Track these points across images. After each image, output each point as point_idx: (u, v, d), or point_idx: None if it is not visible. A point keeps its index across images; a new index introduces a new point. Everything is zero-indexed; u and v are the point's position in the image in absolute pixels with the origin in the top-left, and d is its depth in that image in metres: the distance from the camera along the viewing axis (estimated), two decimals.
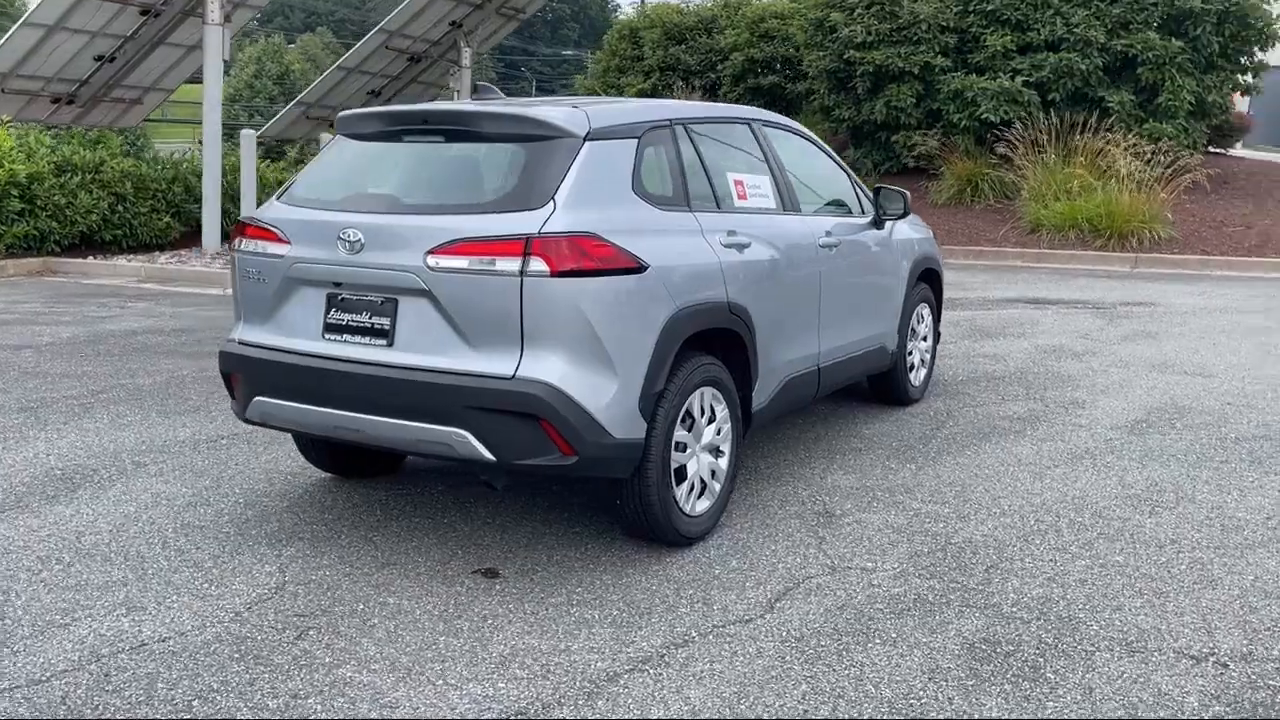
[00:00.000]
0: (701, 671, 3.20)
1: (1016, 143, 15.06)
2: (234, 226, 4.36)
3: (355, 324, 3.88)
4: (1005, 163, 15.57)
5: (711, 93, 21.62)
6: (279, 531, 4.31)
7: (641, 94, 23.81)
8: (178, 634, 3.43)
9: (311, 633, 3.44)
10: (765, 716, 2.97)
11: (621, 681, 3.14)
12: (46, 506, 4.57)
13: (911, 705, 3.03)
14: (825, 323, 5.06)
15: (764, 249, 4.53)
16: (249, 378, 4.13)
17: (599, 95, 24.33)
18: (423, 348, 3.73)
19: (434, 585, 3.81)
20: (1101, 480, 5.04)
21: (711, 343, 4.15)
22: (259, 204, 12.89)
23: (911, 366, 6.32)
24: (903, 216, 5.79)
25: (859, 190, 5.76)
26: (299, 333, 4.02)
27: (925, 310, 6.45)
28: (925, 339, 6.51)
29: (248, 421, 4.26)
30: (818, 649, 3.35)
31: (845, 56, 16.77)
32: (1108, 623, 3.54)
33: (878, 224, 5.74)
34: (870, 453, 5.47)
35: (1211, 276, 12.79)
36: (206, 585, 3.81)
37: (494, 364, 3.61)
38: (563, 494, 4.72)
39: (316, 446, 4.74)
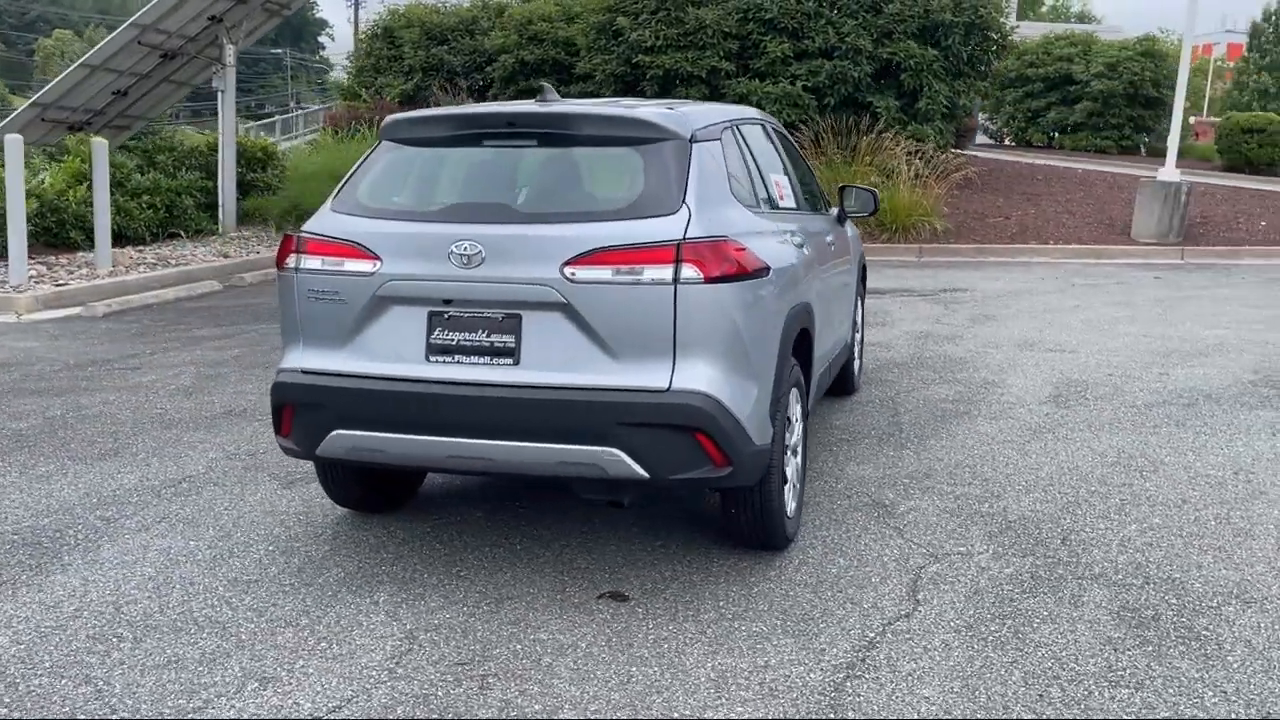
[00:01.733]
0: (913, 670, 3.23)
1: (803, 144, 15.91)
2: (284, 241, 3.88)
3: (470, 344, 3.58)
4: None
5: (480, 95, 21.33)
6: (349, 577, 3.91)
7: (404, 95, 23.17)
8: (348, 700, 3.05)
9: (493, 680, 3.17)
10: (1007, 706, 3.04)
11: (848, 690, 3.12)
12: (41, 579, 3.90)
13: (1121, 675, 3.20)
14: (831, 319, 5.21)
15: (810, 249, 4.61)
16: (324, 410, 3.71)
17: (361, 95, 23.40)
18: (557, 365, 3.51)
19: (570, 614, 3.60)
20: (1076, 451, 5.49)
21: (797, 345, 4.17)
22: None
23: (855, 357, 6.60)
24: (874, 214, 6.03)
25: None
26: (393, 356, 3.66)
27: (859, 303, 6.76)
28: (859, 330, 6.82)
29: (317, 458, 3.83)
30: (994, 635, 3.46)
31: (633, 60, 17.07)
32: (1205, 580, 3.89)
33: (840, 220, 5.95)
34: (860, 443, 5.66)
35: (989, 263, 14.10)
36: (324, 644, 3.40)
37: (645, 377, 3.46)
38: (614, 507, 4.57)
39: (351, 481, 4.33)
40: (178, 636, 3.44)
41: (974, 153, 21.45)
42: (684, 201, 3.58)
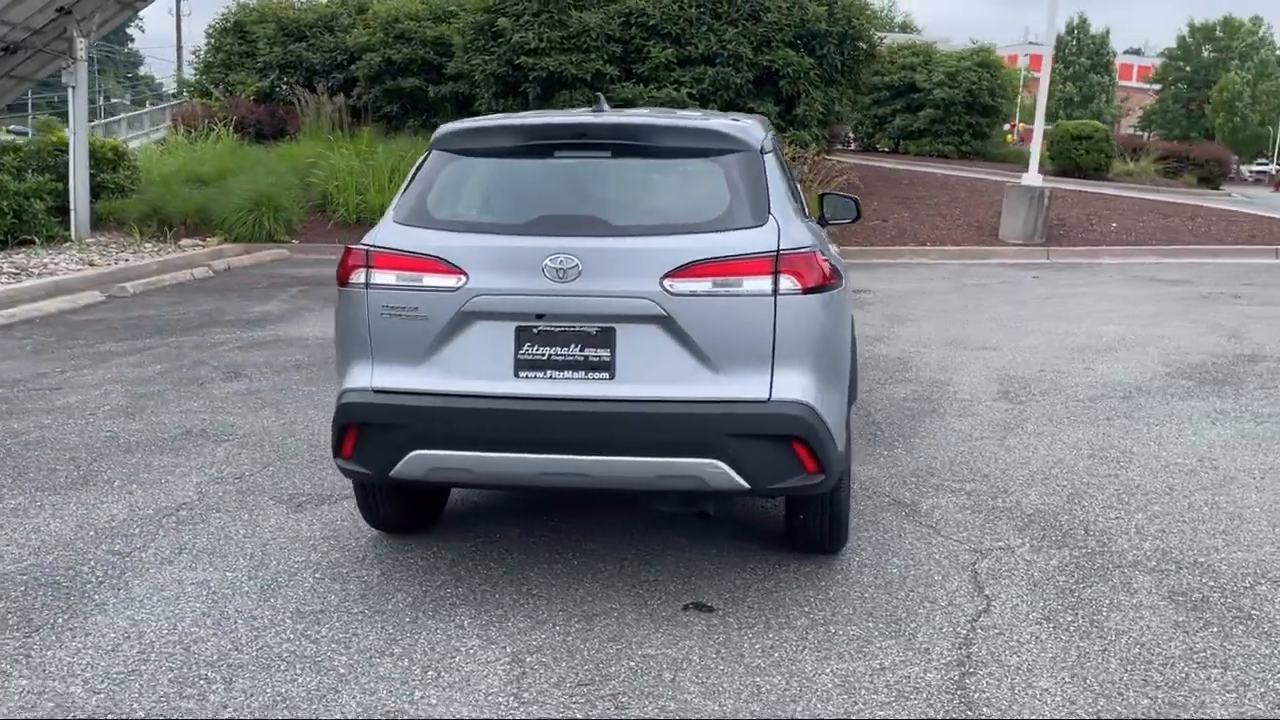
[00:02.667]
0: (1019, 664, 3.37)
1: None
2: (347, 255, 3.69)
3: (562, 358, 3.52)
4: None
5: (343, 94, 20.69)
6: (418, 602, 3.77)
7: (259, 93, 22.27)
8: None
9: (626, 701, 3.13)
10: (1121, 692, 3.22)
11: (970, 688, 3.23)
12: (80, 621, 3.61)
13: (1204, 656, 3.43)
14: None
15: (836, 257, 4.71)
16: (403, 430, 3.57)
17: (212, 93, 22.33)
18: (654, 378, 3.49)
19: (666, 628, 3.59)
20: (1051, 445, 5.81)
21: None
22: None
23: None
24: (855, 220, 6.19)
25: None
26: (478, 373, 3.55)
27: None
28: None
29: (392, 481, 3.68)
30: (1074, 625, 3.64)
31: (515, 62, 16.92)
32: (1228, 562, 4.20)
33: (823, 226, 6.09)
34: (852, 444, 5.81)
35: (877, 265, 14.66)
36: (431, 673, 3.29)
37: (745, 388, 3.48)
38: (656, 515, 4.56)
39: (395, 503, 4.18)
40: (270, 675, 3.25)
41: (839, 158, 22.20)
42: (770, 213, 3.62)
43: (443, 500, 4.54)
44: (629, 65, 17.15)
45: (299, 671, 3.27)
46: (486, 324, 3.53)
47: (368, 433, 3.64)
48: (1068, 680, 3.25)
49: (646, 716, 3.04)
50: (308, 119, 19.90)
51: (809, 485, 3.57)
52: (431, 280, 3.55)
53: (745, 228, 3.56)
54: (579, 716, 3.04)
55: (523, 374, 3.52)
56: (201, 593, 3.84)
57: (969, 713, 3.07)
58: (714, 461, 3.43)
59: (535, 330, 3.51)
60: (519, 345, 3.53)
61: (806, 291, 3.50)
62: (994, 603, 3.80)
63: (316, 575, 4.00)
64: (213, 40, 23.71)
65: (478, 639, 3.50)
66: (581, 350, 3.50)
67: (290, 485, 5.03)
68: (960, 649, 3.45)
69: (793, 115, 17.20)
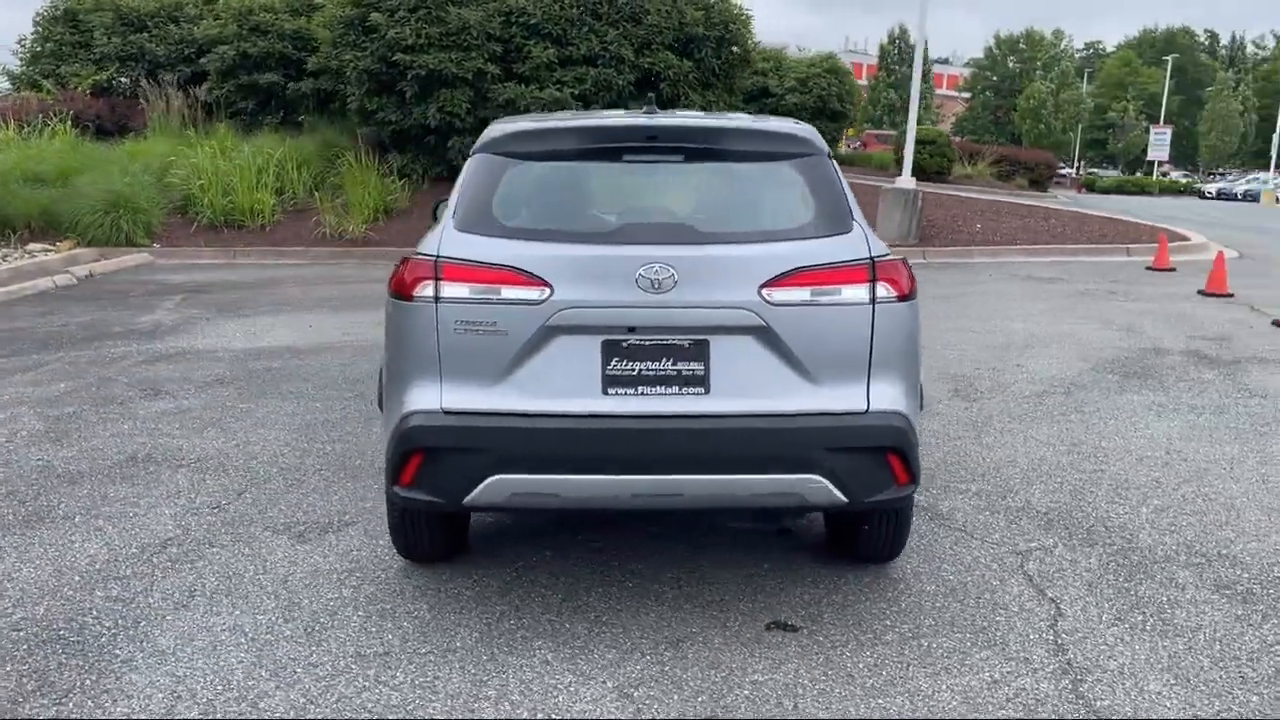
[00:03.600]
0: (1120, 668, 3.40)
1: None
2: (407, 266, 3.37)
3: (654, 373, 3.33)
4: None
5: (193, 88, 19.54)
6: (487, 638, 3.52)
7: (96, 86, 20.80)
8: None
9: None
10: (1228, 690, 3.29)
11: (1088, 695, 3.23)
12: (111, 682, 3.20)
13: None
14: None
15: None
16: (481, 454, 3.31)
17: (43, 85, 20.68)
18: (751, 391, 3.35)
19: (759, 650, 3.46)
20: (1024, 442, 5.95)
21: None
22: None
23: None
24: None
25: None
26: (563, 391, 3.32)
27: None
28: None
29: (464, 509, 3.41)
30: (1148, 625, 3.71)
31: (391, 59, 16.34)
32: (1247, 552, 4.37)
33: None
34: None
35: None
36: (541, 713, 3.06)
37: (843, 400, 3.38)
38: (692, 528, 4.42)
39: (435, 531, 3.90)
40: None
41: None
42: (853, 219, 3.54)
43: (467, 526, 4.27)
44: (510, 65, 16.81)
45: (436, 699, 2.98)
46: (570, 338, 3.31)
47: (437, 458, 3.36)
48: (1173, 682, 3.30)
49: None
50: (155, 115, 18.70)
51: (900, 497, 3.50)
52: (511, 293, 3.30)
53: (834, 234, 3.46)
54: None
55: (612, 391, 3.32)
56: (239, 640, 3.47)
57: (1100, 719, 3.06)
58: (814, 477, 3.32)
59: (625, 344, 3.32)
60: (606, 360, 3.32)
61: (900, 300, 3.43)
62: (1061, 605, 3.83)
63: (360, 613, 3.68)
64: (41, 29, 21.98)
65: (570, 674, 3.28)
66: (674, 364, 3.33)
67: (278, 514, 4.63)
68: (1057, 656, 3.45)
69: None
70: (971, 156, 30.23)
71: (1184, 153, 79.42)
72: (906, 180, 16.21)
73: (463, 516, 4.06)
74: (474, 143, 12.50)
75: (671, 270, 3.28)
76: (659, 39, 16.89)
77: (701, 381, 3.33)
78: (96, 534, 4.37)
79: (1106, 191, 50.65)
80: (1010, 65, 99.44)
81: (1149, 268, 14.85)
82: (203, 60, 19.69)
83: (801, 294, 3.33)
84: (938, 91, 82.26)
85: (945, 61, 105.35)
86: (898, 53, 78.35)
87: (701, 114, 4.28)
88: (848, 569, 4.10)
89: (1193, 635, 3.61)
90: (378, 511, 4.65)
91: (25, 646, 3.40)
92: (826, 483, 3.32)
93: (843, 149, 37.49)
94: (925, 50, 17.86)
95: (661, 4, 16.80)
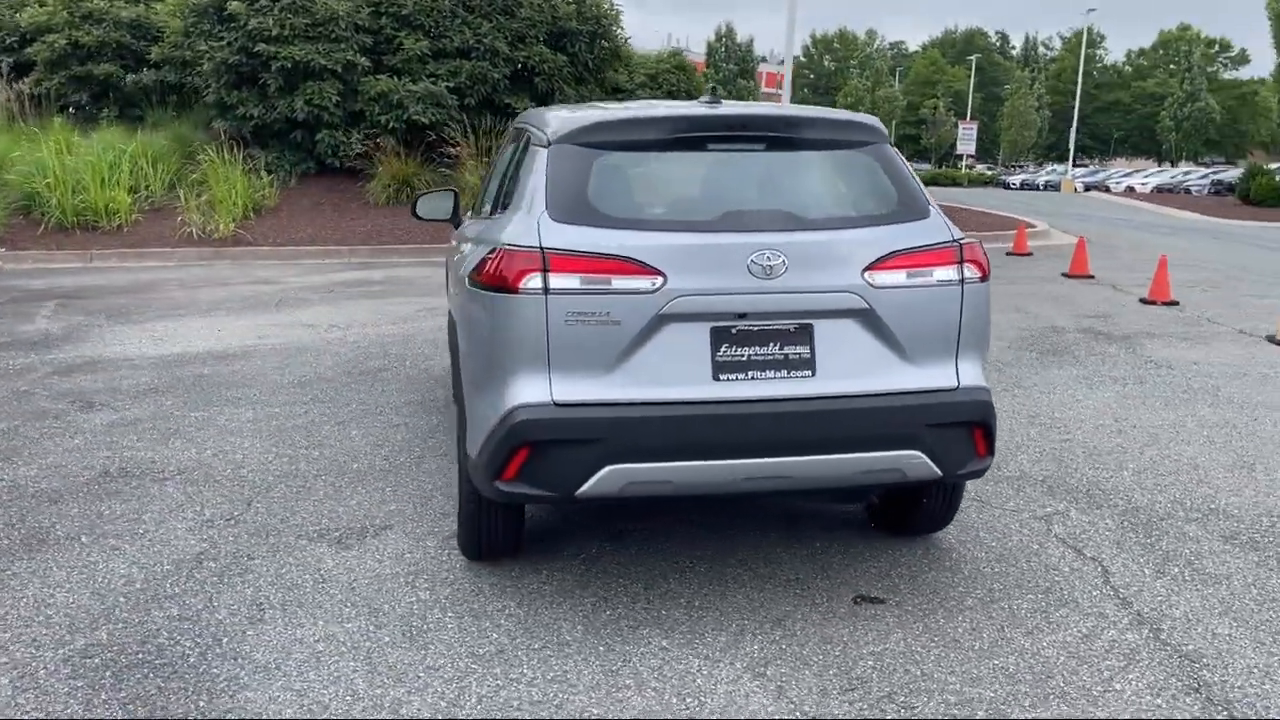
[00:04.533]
0: (1185, 615, 3.67)
1: (457, 143, 15.76)
2: (510, 257, 3.27)
3: (763, 358, 3.39)
4: (433, 162, 16.19)
5: (15, 79, 18.18)
6: (601, 631, 3.50)
7: None
8: None
9: (906, 699, 3.10)
10: None
11: (1172, 641, 3.48)
12: (232, 701, 3.04)
13: None
14: None
15: None
16: (596, 444, 3.29)
17: None
18: (852, 372, 3.45)
19: (860, 624, 3.57)
20: None
21: None
22: None
23: None
24: None
25: None
26: (674, 379, 3.34)
27: None
28: None
29: (577, 502, 3.38)
30: (1188, 577, 4.01)
31: (254, 50, 15.67)
32: (1235, 506, 4.77)
33: None
34: None
35: None
36: (696, 702, 3.08)
37: (936, 377, 3.53)
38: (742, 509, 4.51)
39: (511, 527, 3.85)
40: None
41: None
42: (928, 205, 3.70)
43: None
44: (381, 57, 16.38)
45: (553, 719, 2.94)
46: (680, 326, 3.33)
47: (547, 451, 3.32)
48: (1235, 624, 3.60)
49: (942, 715, 3.02)
50: None
51: (981, 469, 3.68)
52: (623, 282, 3.29)
53: (917, 219, 3.60)
54: (867, 711, 2.97)
55: (723, 377, 3.36)
56: (341, 649, 3.33)
57: (1195, 663, 3.32)
58: (914, 453, 3.46)
59: (734, 330, 3.36)
60: (716, 347, 3.36)
61: (981, 280, 3.60)
62: (1103, 563, 4.10)
63: (451, 615, 3.59)
64: None
65: (695, 658, 3.31)
66: (781, 348, 3.40)
67: (302, 522, 4.45)
68: (1126, 609, 3.70)
69: None
70: None
71: (985, 147, 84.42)
72: None
73: (521, 513, 4.01)
74: (344, 136, 12.37)
75: (783, 256, 3.34)
76: (533, 32, 16.81)
77: (808, 364, 3.41)
78: (115, 554, 4.09)
79: (925, 184, 53.27)
80: (826, 64, 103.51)
81: (1009, 253, 15.80)
82: (27, 50, 18.32)
83: (899, 276, 3.45)
84: (762, 90, 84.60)
85: (764, 60, 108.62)
86: (724, 50, 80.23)
87: (769, 105, 4.35)
88: (899, 542, 4.27)
89: (1229, 582, 3.94)
90: (406, 513, 4.54)
91: (110, 673, 3.17)
92: (925, 457, 3.46)
93: None
94: (789, 44, 18.41)
95: None
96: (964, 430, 3.55)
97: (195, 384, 6.92)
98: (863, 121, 3.78)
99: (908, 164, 3.81)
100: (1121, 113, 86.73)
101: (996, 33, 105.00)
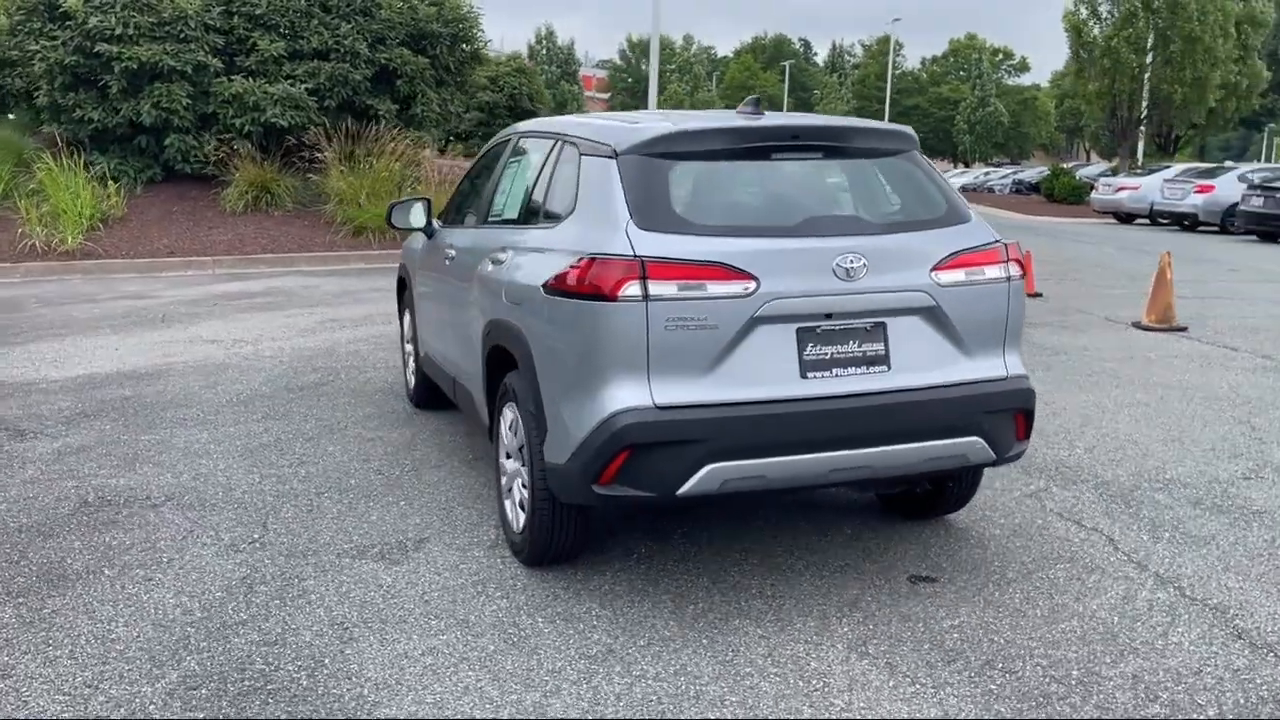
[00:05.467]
0: (1199, 573, 4.07)
1: (320, 146, 15.33)
2: (606, 266, 3.31)
3: (844, 355, 3.58)
4: (294, 167, 15.71)
5: None
6: (684, 625, 3.60)
7: None
8: None
9: (1008, 663, 3.36)
10: None
11: (1191, 594, 3.89)
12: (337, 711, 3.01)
13: None
14: None
15: None
16: (698, 444, 3.40)
17: None
18: (920, 365, 3.69)
19: (926, 601, 3.81)
20: None
21: None
22: None
23: None
24: None
25: None
26: (766, 378, 3.49)
27: None
28: None
29: (676, 501, 3.48)
30: (1184, 539, 4.43)
31: (93, 50, 14.77)
32: (1179, 476, 5.31)
33: None
34: None
35: None
36: (826, 680, 3.25)
37: (990, 368, 3.81)
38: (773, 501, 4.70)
39: (576, 531, 3.91)
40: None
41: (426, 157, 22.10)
42: (967, 207, 3.98)
43: None
44: (233, 57, 15.72)
45: (704, 709, 3.05)
46: (769, 328, 3.49)
47: (649, 453, 3.41)
48: (1241, 577, 4.03)
49: (1044, 677, 3.29)
50: None
51: (1021, 451, 3.99)
52: (719, 288, 3.42)
53: (964, 221, 3.88)
54: (993, 686, 3.21)
55: (810, 375, 3.54)
56: (451, 661, 3.33)
57: (1225, 614, 3.72)
58: (976, 439, 3.73)
59: (818, 330, 3.54)
60: (802, 346, 3.53)
61: (1021, 277, 3.92)
62: (1105, 533, 4.50)
63: (542, 620, 3.62)
64: None
65: (797, 643, 3.47)
66: (859, 346, 3.60)
67: (332, 540, 4.36)
68: (1145, 571, 4.09)
69: (410, 115, 16.93)
70: None
71: None
72: None
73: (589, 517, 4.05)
74: (195, 141, 12.23)
75: (864, 259, 3.55)
76: (393, 34, 16.51)
77: (884, 360, 3.62)
78: (152, 584, 3.91)
79: None
80: (643, 68, 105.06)
81: None
82: None
83: (959, 275, 3.72)
84: (586, 94, 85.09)
85: (580, 64, 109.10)
86: (545, 53, 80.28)
87: (815, 115, 4.53)
88: (920, 524, 4.55)
89: (1216, 543, 4.40)
90: (434, 526, 4.52)
91: (225, 702, 3.06)
92: (984, 443, 3.74)
93: None
94: (657, 47, 18.76)
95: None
96: (1009, 416, 3.84)
97: (125, 407, 6.56)
98: (902, 131, 4.03)
99: (939, 171, 4.09)
100: (920, 116, 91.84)
101: (800, 39, 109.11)
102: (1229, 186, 24.51)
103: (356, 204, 15.11)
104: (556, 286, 3.58)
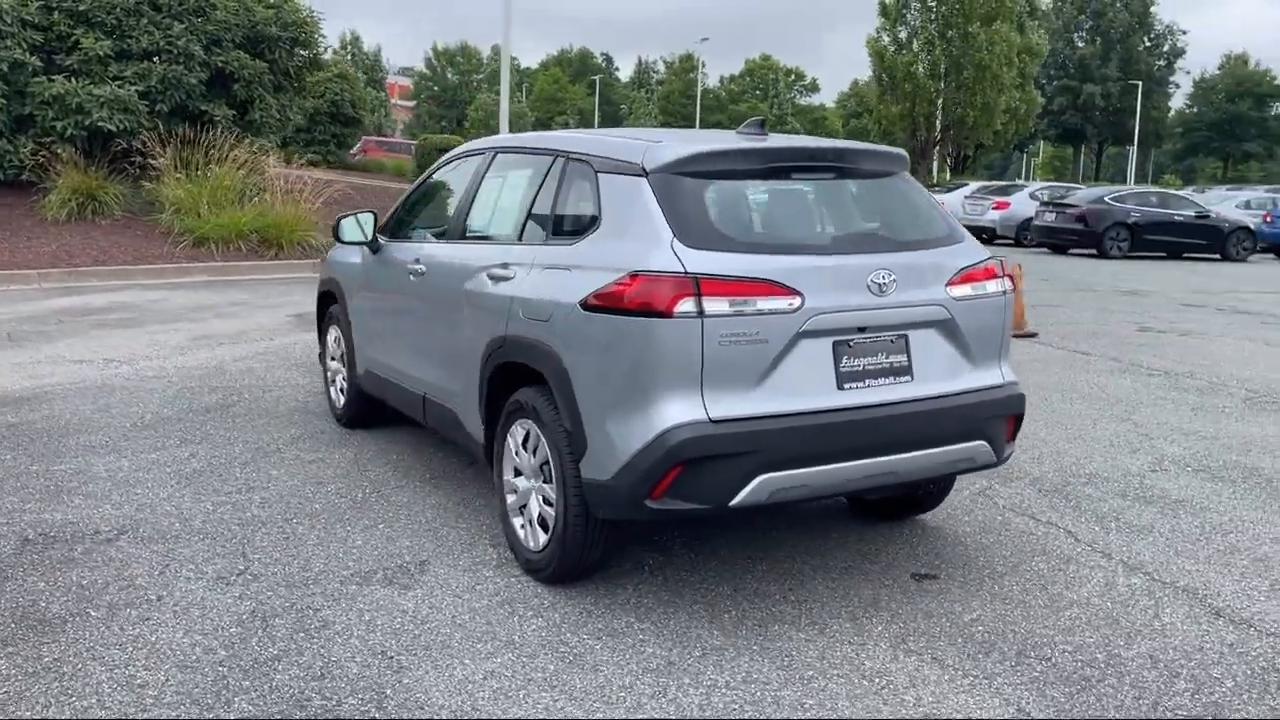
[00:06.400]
0: (1156, 558, 4.47)
1: (153, 152, 14.49)
2: (656, 283, 3.31)
3: (874, 367, 3.75)
4: (122, 173, 14.81)
5: None
6: (731, 636, 3.69)
7: None
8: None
9: (1049, 652, 3.61)
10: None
11: (1161, 578, 4.27)
12: None
13: (1205, 518, 4.93)
14: None
15: None
16: (752, 456, 3.49)
17: None
18: (936, 375, 3.90)
19: (930, 596, 4.03)
20: None
21: None
22: None
23: None
24: None
25: None
26: (808, 390, 3.61)
27: None
28: None
29: (728, 511, 3.55)
30: (1130, 528, 4.85)
31: None
32: (1102, 471, 5.79)
33: None
34: None
35: None
36: (881, 683, 3.41)
37: (990, 376, 4.06)
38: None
39: (602, 544, 3.92)
40: None
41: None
42: (959, 225, 4.24)
43: None
44: (53, 56, 14.62)
45: (787, 712, 3.14)
46: (810, 341, 3.62)
47: (702, 466, 3.47)
48: (1199, 558, 4.45)
49: (1076, 661, 3.55)
50: None
51: (1010, 454, 4.27)
52: (767, 303, 3.52)
53: (961, 240, 4.13)
54: (1035, 673, 3.45)
55: (846, 386, 3.68)
56: (519, 683, 3.28)
57: (1197, 595, 4.11)
58: (981, 443, 3.98)
59: (852, 343, 3.70)
60: (838, 359, 3.68)
61: (1011, 291, 4.21)
62: (1061, 524, 4.86)
63: (587, 637, 3.61)
64: None
65: (843, 645, 3.59)
66: (886, 357, 3.78)
67: (327, 567, 4.19)
68: (1112, 559, 4.45)
69: (248, 121, 16.21)
70: None
71: None
72: None
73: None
74: (10, 145, 11.85)
75: (894, 275, 3.73)
76: (229, 36, 15.79)
77: (907, 370, 3.82)
78: (151, 624, 3.65)
79: None
80: (450, 77, 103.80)
81: None
82: None
83: (968, 289, 3.96)
84: (393, 101, 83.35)
85: (386, 71, 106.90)
86: (351, 58, 78.12)
87: (822, 139, 4.65)
88: (894, 525, 4.78)
89: (1156, 530, 4.83)
90: (427, 549, 4.42)
91: None
92: (988, 446, 4.00)
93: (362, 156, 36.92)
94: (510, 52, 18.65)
95: (229, 0, 15.68)
96: (1004, 421, 4.12)
97: (16, 435, 6.05)
98: (898, 153, 4.25)
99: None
100: None
101: (602, 54, 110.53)
102: (1023, 203, 26.67)
103: (196, 214, 14.34)
104: (599, 303, 3.58)
